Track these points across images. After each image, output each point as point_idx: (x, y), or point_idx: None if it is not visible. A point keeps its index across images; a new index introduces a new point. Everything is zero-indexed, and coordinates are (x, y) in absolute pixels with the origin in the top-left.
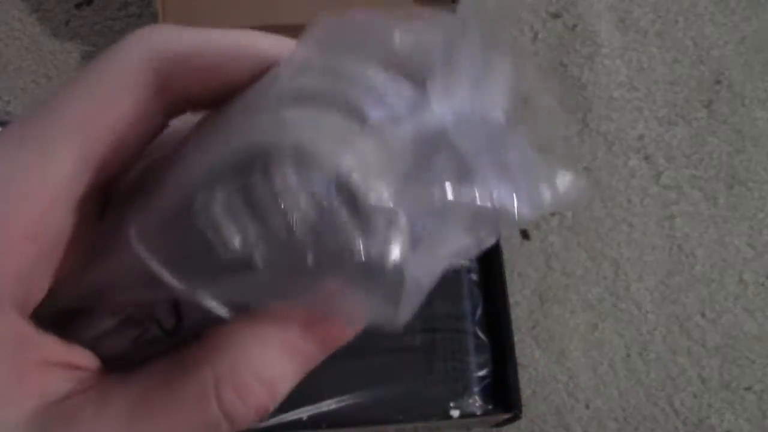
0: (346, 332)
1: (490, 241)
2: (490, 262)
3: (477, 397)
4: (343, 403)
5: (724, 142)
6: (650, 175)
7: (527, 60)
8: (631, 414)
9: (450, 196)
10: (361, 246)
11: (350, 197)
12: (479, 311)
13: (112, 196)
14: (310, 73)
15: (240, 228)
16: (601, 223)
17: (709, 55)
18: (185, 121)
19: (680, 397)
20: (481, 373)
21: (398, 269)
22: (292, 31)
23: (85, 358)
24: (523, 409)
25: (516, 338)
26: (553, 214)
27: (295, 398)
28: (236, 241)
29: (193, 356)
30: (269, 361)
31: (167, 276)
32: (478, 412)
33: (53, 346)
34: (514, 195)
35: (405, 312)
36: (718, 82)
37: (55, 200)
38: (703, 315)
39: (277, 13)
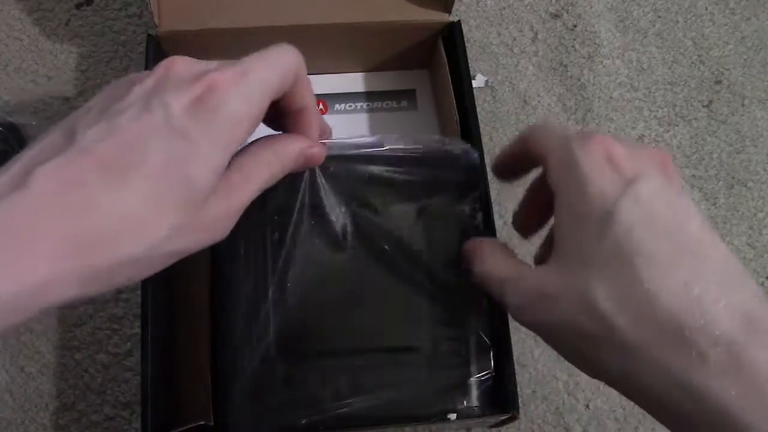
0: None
1: None
2: None
3: (475, 398)
4: (342, 407)
5: (724, 142)
6: None
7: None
8: (631, 414)
9: None
10: None
11: None
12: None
13: None
14: None
15: None
16: None
17: (709, 55)
18: None
19: None
20: (480, 373)
21: None
22: (290, 31)
23: None
24: (523, 408)
25: (516, 338)
26: None
27: (293, 403)
28: None
29: None
30: None
31: None
32: (477, 413)
33: None
34: None
35: None
36: (718, 82)
37: None
38: None
39: (275, 14)
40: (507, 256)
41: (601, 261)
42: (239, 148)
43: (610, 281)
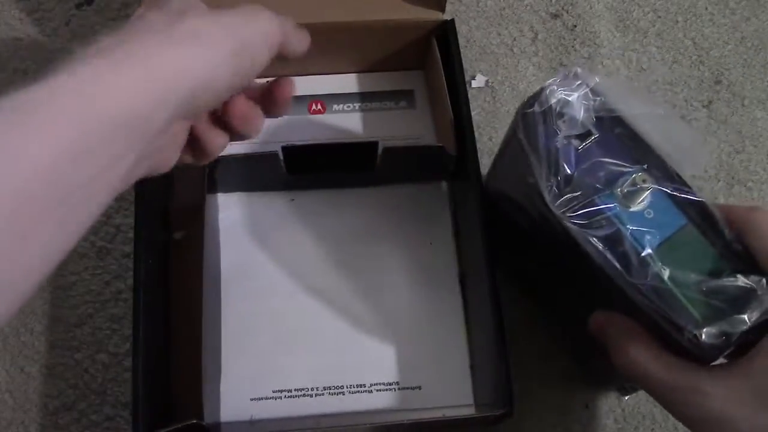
0: None
1: None
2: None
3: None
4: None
5: (724, 142)
6: None
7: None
8: (631, 414)
9: None
10: None
11: None
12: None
13: None
14: None
15: None
16: None
17: (709, 55)
18: None
19: None
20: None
21: None
22: None
23: None
24: (523, 408)
25: (515, 338)
26: None
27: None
28: None
29: None
30: None
31: None
32: (473, 412)
33: None
34: None
35: None
36: (718, 82)
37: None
38: None
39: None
40: (654, 347)
41: None
42: None
43: None
